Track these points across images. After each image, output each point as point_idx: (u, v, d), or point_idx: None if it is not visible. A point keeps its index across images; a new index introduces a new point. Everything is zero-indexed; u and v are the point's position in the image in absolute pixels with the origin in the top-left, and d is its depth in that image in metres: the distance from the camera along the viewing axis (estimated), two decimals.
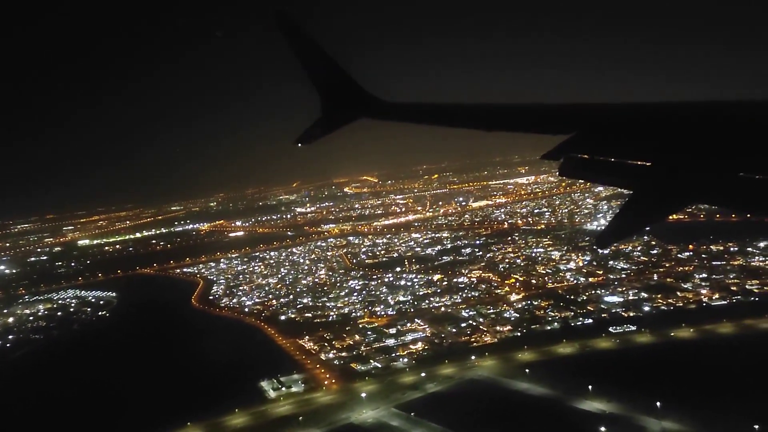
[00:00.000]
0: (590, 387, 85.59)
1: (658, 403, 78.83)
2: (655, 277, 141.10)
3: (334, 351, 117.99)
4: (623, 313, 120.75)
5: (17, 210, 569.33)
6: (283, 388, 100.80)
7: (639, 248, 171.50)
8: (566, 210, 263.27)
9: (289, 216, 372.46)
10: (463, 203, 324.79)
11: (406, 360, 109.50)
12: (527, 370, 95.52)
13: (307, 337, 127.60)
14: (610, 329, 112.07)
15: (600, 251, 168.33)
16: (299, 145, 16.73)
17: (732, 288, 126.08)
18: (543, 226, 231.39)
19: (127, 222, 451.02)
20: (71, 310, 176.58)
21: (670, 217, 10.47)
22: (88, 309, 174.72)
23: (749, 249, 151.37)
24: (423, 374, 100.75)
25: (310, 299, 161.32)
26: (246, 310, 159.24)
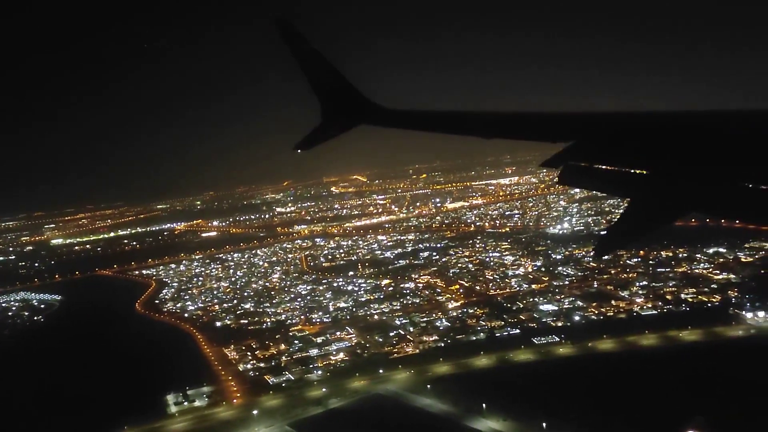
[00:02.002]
0: (484, 405, 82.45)
1: (544, 424, 75.90)
2: (596, 284, 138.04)
3: (254, 361, 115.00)
4: (552, 323, 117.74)
5: (14, 207, 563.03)
6: (186, 403, 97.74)
7: (591, 253, 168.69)
8: (536, 212, 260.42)
9: (267, 216, 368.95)
10: (439, 204, 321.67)
11: (320, 372, 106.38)
12: (428, 386, 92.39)
13: (233, 345, 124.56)
14: (534, 340, 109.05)
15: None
16: (299, 151, 17.06)
17: (667, 297, 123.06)
18: (508, 229, 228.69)
19: (109, 221, 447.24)
20: (9, 314, 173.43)
21: None
22: (26, 313, 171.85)
23: (698, 255, 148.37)
24: (332, 388, 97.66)
25: (252, 305, 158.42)
26: (186, 315, 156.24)
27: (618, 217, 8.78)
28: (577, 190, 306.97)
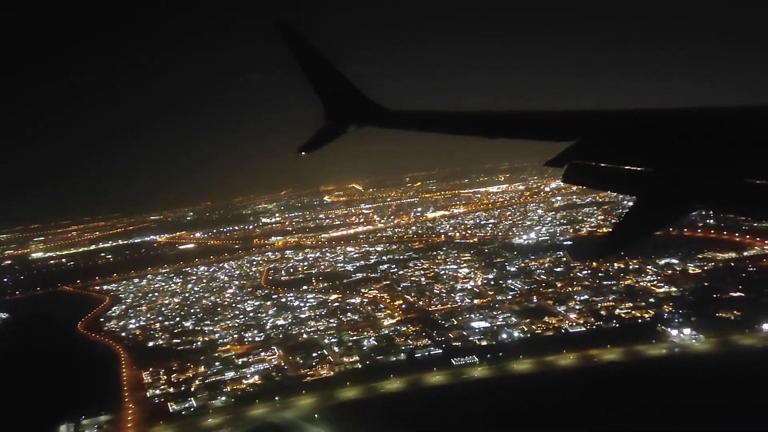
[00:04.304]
0: None
1: None
2: (536, 299, 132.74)
3: (165, 386, 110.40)
4: (478, 342, 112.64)
5: (17, 217, 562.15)
6: None
7: (546, 265, 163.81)
8: (510, 222, 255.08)
9: (251, 227, 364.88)
10: (419, 214, 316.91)
11: (225, 398, 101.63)
12: (316, 415, 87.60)
13: (151, 368, 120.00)
14: (453, 361, 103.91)
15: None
16: (303, 153, 16.92)
17: (601, 312, 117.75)
18: (476, 240, 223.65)
19: (97, 233, 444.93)
20: None
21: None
22: None
23: (649, 267, 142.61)
24: (230, 417, 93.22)
25: (193, 323, 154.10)
26: (123, 334, 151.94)
27: (623, 215, 8.73)
28: (559, 198, 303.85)
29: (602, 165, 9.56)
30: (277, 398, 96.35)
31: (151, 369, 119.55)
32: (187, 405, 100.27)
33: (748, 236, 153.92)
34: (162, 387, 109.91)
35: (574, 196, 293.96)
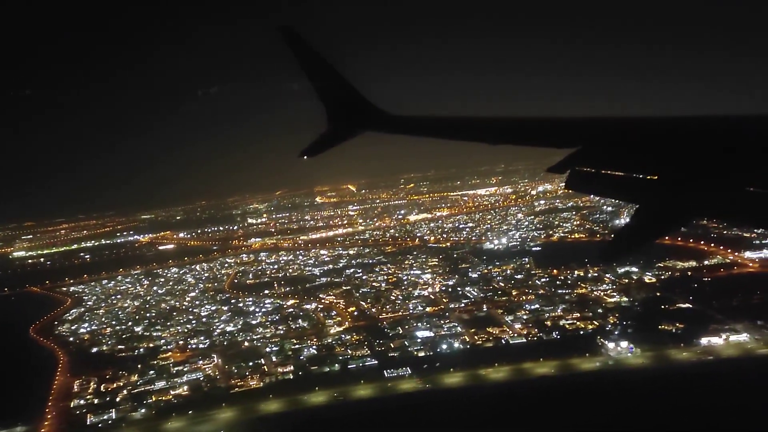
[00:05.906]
0: None
1: None
2: (486, 308, 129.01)
3: (92, 395, 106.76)
4: (416, 353, 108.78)
5: (14, 214, 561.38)
6: None
7: (508, 272, 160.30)
8: (488, 226, 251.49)
9: (235, 227, 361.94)
10: (402, 216, 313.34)
11: (146, 410, 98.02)
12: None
13: (84, 376, 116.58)
14: (385, 373, 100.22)
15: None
16: (305, 157, 16.94)
17: (546, 323, 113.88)
18: (449, 244, 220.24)
19: (84, 232, 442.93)
20: None
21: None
22: None
23: (608, 275, 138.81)
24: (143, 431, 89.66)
25: (143, 327, 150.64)
26: (71, 339, 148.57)
27: (626, 222, 8.68)
28: (542, 201, 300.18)
29: (604, 172, 9.48)
30: (190, 411, 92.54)
31: (83, 377, 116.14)
32: (105, 417, 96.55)
33: (713, 244, 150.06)
34: (88, 397, 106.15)
35: (557, 201, 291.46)
